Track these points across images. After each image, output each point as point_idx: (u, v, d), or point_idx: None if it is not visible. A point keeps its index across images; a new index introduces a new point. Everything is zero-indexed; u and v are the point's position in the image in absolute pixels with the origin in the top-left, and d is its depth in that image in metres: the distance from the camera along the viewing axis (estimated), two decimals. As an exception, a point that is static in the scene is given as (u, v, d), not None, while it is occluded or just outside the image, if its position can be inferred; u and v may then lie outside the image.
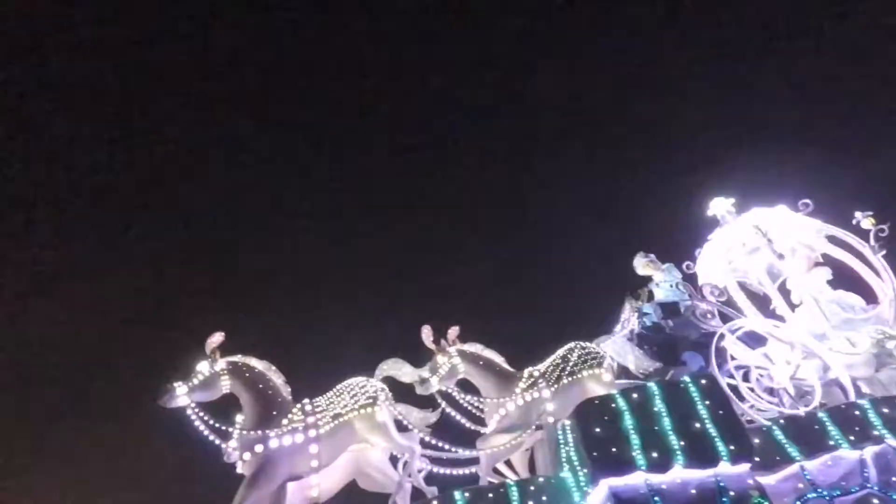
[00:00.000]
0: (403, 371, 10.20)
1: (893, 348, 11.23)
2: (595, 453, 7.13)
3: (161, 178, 25.25)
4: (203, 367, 9.17)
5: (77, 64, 25.04)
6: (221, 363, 9.31)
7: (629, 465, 7.04)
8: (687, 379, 8.03)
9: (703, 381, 7.93)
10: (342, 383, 9.74)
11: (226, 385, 9.22)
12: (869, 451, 7.83)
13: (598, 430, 7.33)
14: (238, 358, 9.52)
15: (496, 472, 9.98)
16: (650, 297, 13.67)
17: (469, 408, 10.16)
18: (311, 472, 8.80)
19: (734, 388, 10.91)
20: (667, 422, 7.42)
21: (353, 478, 9.91)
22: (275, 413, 9.00)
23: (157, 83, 26.43)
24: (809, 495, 7.47)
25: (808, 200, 13.98)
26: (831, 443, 7.87)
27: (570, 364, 10.28)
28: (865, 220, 12.94)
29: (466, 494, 7.41)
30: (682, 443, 7.22)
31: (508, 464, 10.40)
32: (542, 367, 10.47)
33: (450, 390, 10.02)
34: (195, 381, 9.01)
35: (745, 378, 11.14)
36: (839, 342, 11.17)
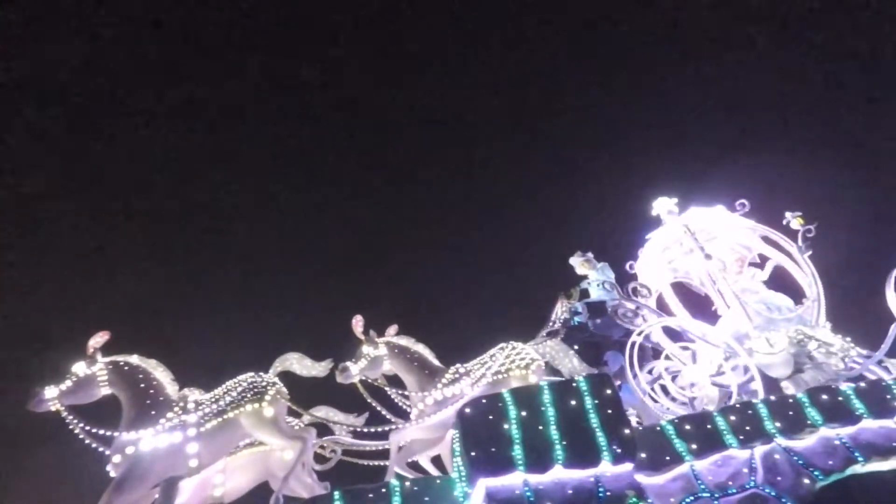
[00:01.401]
0: (303, 364, 10.10)
1: (814, 349, 11.29)
2: (473, 453, 7.05)
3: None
4: (78, 368, 8.92)
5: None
6: (100, 363, 9.05)
7: (507, 465, 6.96)
8: (579, 378, 7.97)
9: (596, 381, 7.86)
10: (232, 380, 9.56)
11: (103, 386, 8.96)
12: (759, 451, 7.81)
13: (480, 429, 7.25)
14: (120, 357, 9.26)
15: (419, 469, 9.94)
16: (583, 295, 13.72)
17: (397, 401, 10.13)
18: (190, 472, 8.55)
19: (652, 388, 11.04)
20: (552, 421, 7.34)
21: (263, 479, 9.77)
22: (153, 413, 8.73)
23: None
24: (695, 495, 7.44)
25: (744, 201, 14.08)
26: (721, 442, 7.83)
27: (497, 363, 10.25)
28: (794, 220, 13.02)
29: (346, 494, 7.29)
30: (565, 442, 7.15)
31: (436, 461, 10.35)
32: (469, 364, 10.45)
33: (372, 380, 9.95)
34: (68, 384, 8.74)
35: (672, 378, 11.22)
36: (759, 342, 11.19)
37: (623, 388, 11.22)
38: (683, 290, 14.75)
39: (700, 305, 14.37)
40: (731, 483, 7.56)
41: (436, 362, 10.31)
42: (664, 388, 10.78)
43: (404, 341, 10.25)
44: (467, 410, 7.52)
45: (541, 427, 7.29)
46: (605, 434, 7.28)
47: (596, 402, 7.58)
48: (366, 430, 9.81)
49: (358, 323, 9.97)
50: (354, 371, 9.56)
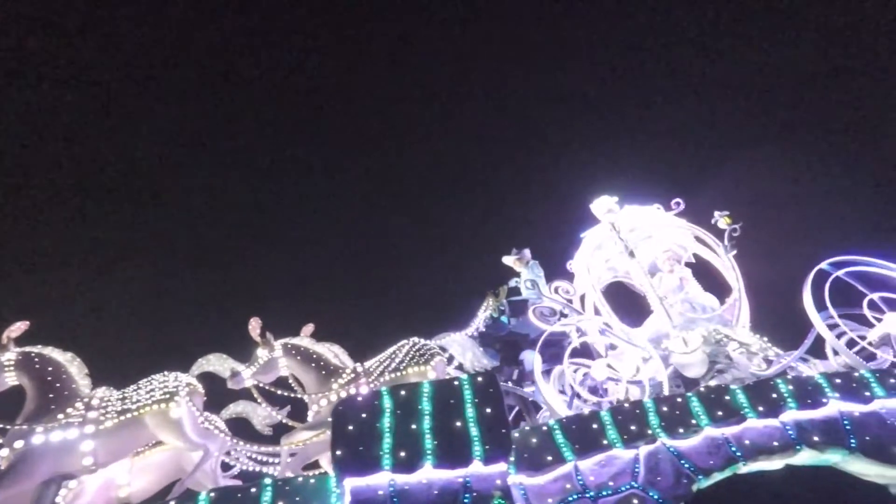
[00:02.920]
0: (226, 366, 9.91)
1: (732, 350, 11.20)
2: (339, 452, 6.89)
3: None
4: None
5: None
6: (10, 354, 8.87)
7: (374, 465, 6.81)
8: (463, 377, 7.83)
9: (479, 380, 7.72)
10: (146, 378, 9.39)
11: (10, 377, 8.77)
12: (643, 451, 7.71)
13: (351, 427, 7.08)
14: (35, 349, 9.08)
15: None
16: (512, 293, 13.59)
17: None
18: (84, 471, 8.33)
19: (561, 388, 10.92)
20: (427, 420, 7.19)
21: (174, 479, 9.54)
22: (53, 407, 8.51)
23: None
24: (574, 496, 7.31)
25: (679, 199, 14.02)
26: (605, 442, 7.72)
27: (397, 361, 10.10)
28: (721, 220, 12.95)
29: (212, 494, 7.12)
30: (436, 442, 7.01)
31: None
32: (369, 363, 10.28)
33: (266, 385, 9.75)
34: None
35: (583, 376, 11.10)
36: (675, 342, 11.11)
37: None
38: (626, 291, 14.71)
39: (641, 305, 14.31)
40: (611, 483, 7.45)
41: (336, 362, 10.07)
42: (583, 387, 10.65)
43: (305, 342, 10.05)
44: (340, 408, 7.36)
45: (413, 426, 7.14)
46: (480, 433, 7.13)
47: (476, 400, 7.44)
48: (258, 449, 9.61)
49: (255, 326, 9.76)
50: (246, 375, 9.39)
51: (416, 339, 10.49)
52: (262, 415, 10.25)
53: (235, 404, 10.43)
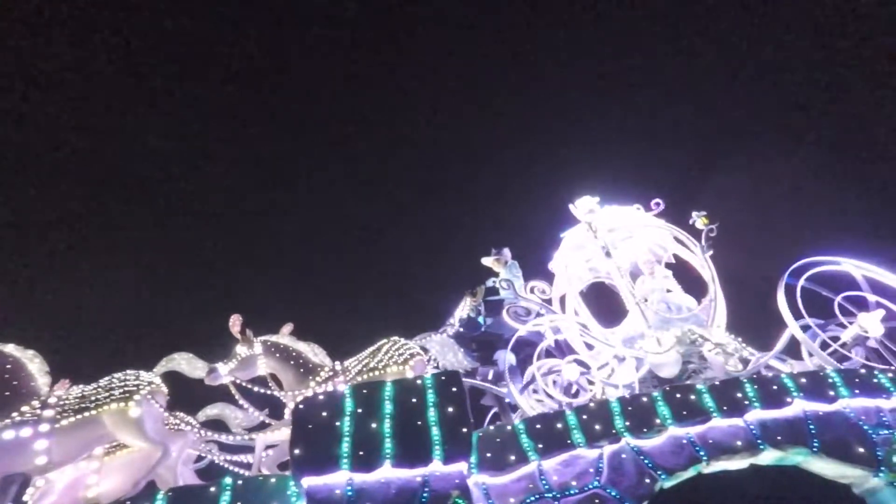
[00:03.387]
0: (192, 366, 9.84)
1: (707, 350, 11.17)
2: (297, 451, 6.85)
3: None
4: None
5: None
6: None
7: (332, 464, 6.78)
8: (426, 376, 7.80)
9: (442, 378, 7.69)
10: (109, 376, 9.31)
11: None
12: (607, 450, 7.69)
13: (311, 426, 7.05)
14: None
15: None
16: (490, 293, 13.56)
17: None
18: (39, 470, 8.21)
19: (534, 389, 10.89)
20: (388, 420, 7.16)
21: (147, 478, 9.52)
22: (8, 405, 8.36)
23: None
24: (535, 496, 7.28)
25: (658, 200, 13.98)
26: (570, 441, 7.69)
27: (376, 360, 10.05)
28: (699, 220, 12.91)
29: (170, 493, 7.08)
30: (396, 441, 6.98)
31: None
32: (348, 361, 10.24)
33: (244, 382, 9.70)
34: None
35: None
36: (649, 342, 11.09)
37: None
38: (609, 292, 14.67)
39: (624, 306, 14.28)
40: (574, 483, 7.41)
41: (316, 360, 10.01)
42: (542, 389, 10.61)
43: (285, 339, 10.00)
44: (301, 407, 7.33)
45: (374, 425, 7.10)
46: (441, 433, 7.10)
47: (437, 400, 7.40)
48: (230, 439, 9.57)
49: (235, 322, 9.70)
50: (223, 371, 9.30)
51: (396, 338, 10.43)
52: (239, 417, 10.20)
53: (212, 406, 10.37)
